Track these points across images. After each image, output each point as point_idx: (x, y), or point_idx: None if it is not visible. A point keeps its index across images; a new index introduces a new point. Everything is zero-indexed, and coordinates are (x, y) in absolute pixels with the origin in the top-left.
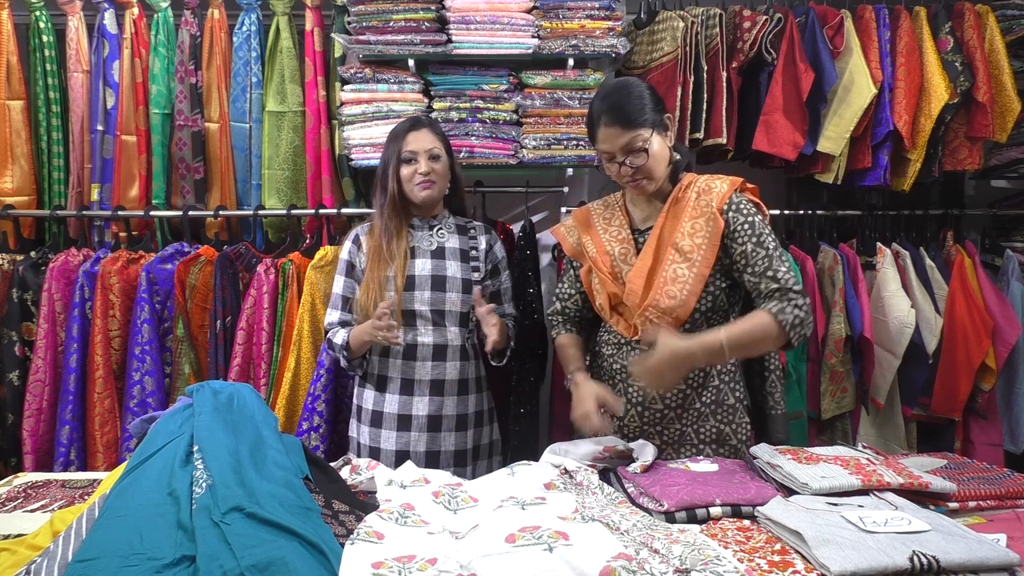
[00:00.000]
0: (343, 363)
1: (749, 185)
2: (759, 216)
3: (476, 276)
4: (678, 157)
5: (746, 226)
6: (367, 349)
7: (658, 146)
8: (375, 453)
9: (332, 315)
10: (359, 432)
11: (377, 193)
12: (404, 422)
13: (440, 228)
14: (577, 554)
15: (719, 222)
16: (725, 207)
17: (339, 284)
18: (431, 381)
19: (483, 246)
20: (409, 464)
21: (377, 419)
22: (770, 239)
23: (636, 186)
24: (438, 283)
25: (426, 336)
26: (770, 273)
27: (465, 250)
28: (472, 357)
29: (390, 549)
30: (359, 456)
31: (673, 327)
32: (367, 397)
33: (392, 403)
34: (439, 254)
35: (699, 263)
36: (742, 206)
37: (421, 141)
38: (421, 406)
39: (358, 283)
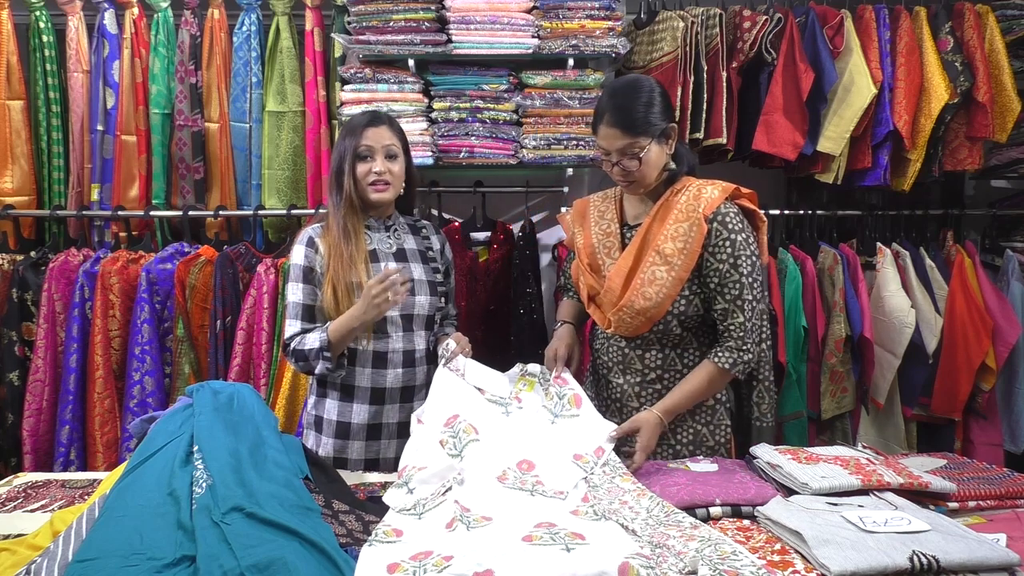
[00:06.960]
0: (320, 369)
1: (744, 191)
2: (743, 234)
3: (438, 277)
4: (673, 166)
5: (727, 243)
6: (347, 345)
7: (655, 155)
8: (341, 464)
9: (294, 326)
10: (320, 444)
11: (332, 191)
12: (374, 431)
13: (396, 228)
14: (594, 553)
15: (703, 228)
16: (711, 215)
17: (297, 292)
18: (402, 388)
19: (437, 246)
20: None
21: (343, 430)
22: (747, 263)
23: (625, 186)
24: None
25: (396, 342)
26: (739, 303)
27: (422, 251)
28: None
29: (407, 547)
30: None
31: (645, 327)
32: (329, 408)
33: (361, 413)
34: (401, 256)
35: (678, 267)
36: (728, 219)
37: (379, 137)
38: (392, 414)
39: (319, 288)
